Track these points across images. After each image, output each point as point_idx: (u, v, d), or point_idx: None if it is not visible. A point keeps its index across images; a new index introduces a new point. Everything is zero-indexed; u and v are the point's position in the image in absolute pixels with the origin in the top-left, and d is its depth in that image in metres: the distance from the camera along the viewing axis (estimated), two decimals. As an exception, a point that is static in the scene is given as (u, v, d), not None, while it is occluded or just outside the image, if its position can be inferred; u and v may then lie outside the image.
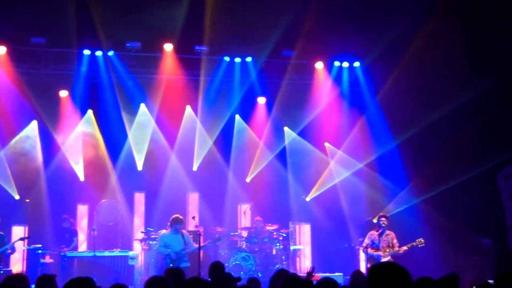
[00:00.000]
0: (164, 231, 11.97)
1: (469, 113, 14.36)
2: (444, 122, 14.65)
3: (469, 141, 14.24)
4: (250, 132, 16.67)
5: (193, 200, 16.01)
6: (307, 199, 16.55)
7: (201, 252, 11.18)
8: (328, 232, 15.96)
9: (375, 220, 12.61)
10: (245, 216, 15.81)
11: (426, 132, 14.87)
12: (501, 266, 12.74)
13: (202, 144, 16.12)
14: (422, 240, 11.38)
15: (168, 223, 11.83)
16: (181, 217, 11.69)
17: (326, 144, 16.88)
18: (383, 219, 11.87)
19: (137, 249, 14.67)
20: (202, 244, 11.24)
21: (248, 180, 16.62)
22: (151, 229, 14.35)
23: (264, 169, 16.48)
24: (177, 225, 11.48)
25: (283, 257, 14.73)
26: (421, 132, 14.91)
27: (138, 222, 15.52)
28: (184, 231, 11.49)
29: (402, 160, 15.69)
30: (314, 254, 16.09)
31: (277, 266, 14.34)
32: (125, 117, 15.40)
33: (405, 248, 11.44)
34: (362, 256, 14.06)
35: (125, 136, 15.52)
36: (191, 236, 12.09)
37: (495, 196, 13.98)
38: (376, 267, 3.75)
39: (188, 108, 16.20)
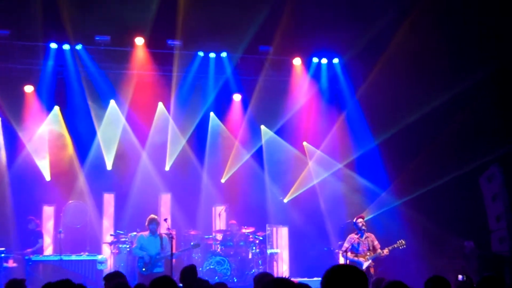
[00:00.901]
0: (145, 232, 11.86)
1: (451, 112, 14.45)
2: (425, 121, 14.68)
3: (451, 141, 14.31)
4: (225, 130, 16.69)
5: (166, 201, 16.00)
6: (285, 200, 16.67)
7: (174, 260, 11.18)
8: (306, 235, 16.03)
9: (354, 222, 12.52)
10: (220, 218, 15.79)
11: (407, 131, 14.91)
12: (484, 270, 12.83)
13: (175, 143, 16.08)
14: (403, 242, 11.47)
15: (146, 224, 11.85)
16: (155, 216, 11.74)
17: (305, 143, 16.99)
18: (360, 220, 11.92)
19: (106, 252, 14.63)
20: (178, 249, 11.65)
21: (223, 180, 16.68)
22: (121, 232, 14.35)
23: (239, 169, 16.54)
24: (150, 225, 11.49)
25: (260, 261, 14.80)
26: (402, 131, 14.96)
27: (107, 224, 15.48)
28: (164, 234, 11.47)
29: (382, 161, 15.82)
30: (292, 258, 16.17)
31: (253, 270, 14.44)
32: (94, 114, 15.33)
33: (386, 251, 11.52)
34: (341, 260, 13.22)
35: (93, 134, 15.46)
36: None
37: (477, 198, 13.99)
38: (330, 270, 3.63)
39: (160, 105, 16.16)
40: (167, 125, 16.03)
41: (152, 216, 11.84)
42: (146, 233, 11.71)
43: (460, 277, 12.53)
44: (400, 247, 11.52)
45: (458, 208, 14.44)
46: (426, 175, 14.69)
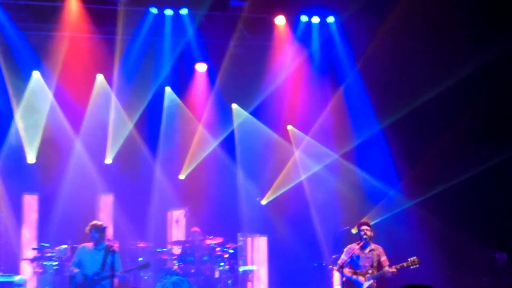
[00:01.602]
0: (89, 244, 11.56)
1: (477, 89, 14.69)
2: (444, 100, 14.85)
3: (477, 125, 14.63)
4: (186, 110, 16.66)
5: (106, 204, 16.02)
6: (263, 202, 16.69)
7: (116, 280, 11.16)
8: (291, 247, 16.14)
9: (354, 231, 12.70)
10: (177, 225, 15.81)
11: (421, 112, 15.09)
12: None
13: (119, 128, 16.07)
14: (416, 260, 11.29)
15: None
16: (97, 223, 11.66)
17: (290, 127, 16.98)
18: (365, 227, 11.74)
19: (27, 272, 14.47)
20: (123, 268, 11.45)
21: (182, 176, 16.68)
22: (46, 245, 14.15)
23: (204, 162, 16.58)
24: (90, 233, 11.45)
25: (229, 282, 14.70)
26: (415, 112, 15.11)
27: (28, 235, 15.35)
28: (115, 248, 11.48)
29: (390, 150, 15.91)
30: (272, 278, 16.20)
31: None
32: (11, 89, 15.20)
33: (393, 269, 11.40)
34: (336, 279, 13.98)
35: (10, 115, 15.38)
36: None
37: (512, 197, 14.44)
38: None
39: (100, 78, 16.09)
40: (109, 104, 15.95)
41: (94, 222, 11.70)
42: (90, 244, 11.59)
43: (498, 254, 13.13)
44: (412, 267, 11.38)
45: (487, 211, 14.71)
46: (446, 168, 14.96)
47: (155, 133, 16.53)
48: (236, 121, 16.90)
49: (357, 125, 16.39)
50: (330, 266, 14.16)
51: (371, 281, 11.51)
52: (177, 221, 15.79)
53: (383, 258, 11.66)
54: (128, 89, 15.92)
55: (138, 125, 16.26)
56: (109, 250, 11.27)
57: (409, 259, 11.34)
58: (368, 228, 11.71)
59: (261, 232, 16.48)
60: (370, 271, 11.57)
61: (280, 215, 16.55)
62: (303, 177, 16.66)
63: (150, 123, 16.46)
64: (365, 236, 11.60)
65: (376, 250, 11.70)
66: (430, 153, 15.14)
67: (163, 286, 14.00)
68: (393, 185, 15.87)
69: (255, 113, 16.74)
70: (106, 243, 11.52)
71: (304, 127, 16.83)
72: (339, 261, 11.59)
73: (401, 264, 11.39)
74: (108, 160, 16.17)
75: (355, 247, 11.64)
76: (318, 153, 16.63)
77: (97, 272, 11.26)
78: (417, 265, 11.37)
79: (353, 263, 11.62)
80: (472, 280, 14.29)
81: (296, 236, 16.21)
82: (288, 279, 15.76)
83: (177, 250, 15.19)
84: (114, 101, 16.03)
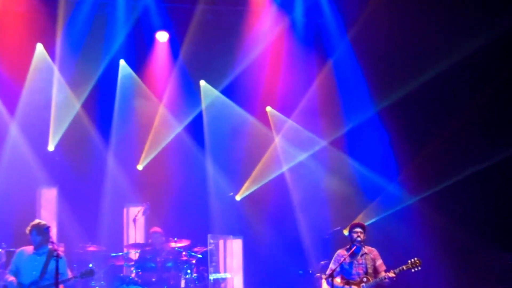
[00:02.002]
0: (28, 247, 11.41)
1: (489, 65, 14.84)
2: (452, 77, 14.95)
3: (490, 108, 14.75)
4: (144, 88, 16.61)
5: (48, 200, 15.91)
6: (238, 198, 16.74)
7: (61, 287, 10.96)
8: (271, 250, 16.17)
9: (346, 232, 12.59)
10: (135, 225, 15.63)
11: (424, 92, 15.15)
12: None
13: (64, 109, 15.93)
14: (418, 261, 11.28)
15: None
16: (39, 222, 11.40)
17: (269, 109, 16.96)
18: (358, 230, 11.71)
19: None
20: (68, 275, 11.10)
21: (140, 167, 16.64)
22: None
23: (167, 150, 16.59)
24: (30, 235, 11.25)
25: None
26: (416, 93, 15.16)
27: None
28: (60, 252, 11.11)
29: (387, 137, 15.96)
30: (250, 287, 16.17)
31: None
32: None
33: (391, 274, 11.30)
34: None
35: None
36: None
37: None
38: None
39: (40, 49, 15.94)
40: (51, 80, 15.82)
41: (35, 221, 11.41)
42: (30, 248, 11.43)
43: None
44: (413, 270, 11.34)
45: (500, 209, 14.83)
46: (453, 159, 15.04)
47: (108, 115, 16.41)
48: (205, 101, 16.82)
49: (348, 107, 16.26)
50: (318, 274, 13.97)
51: None
52: (134, 220, 15.66)
53: (379, 262, 11.70)
54: (74, 62, 15.78)
55: (87, 106, 16.14)
56: (52, 255, 11.02)
57: (409, 261, 11.31)
58: (362, 231, 11.71)
59: (235, 234, 16.38)
60: (365, 279, 11.52)
61: (258, 213, 16.57)
62: (285, 168, 16.62)
63: (101, 103, 16.32)
64: (358, 239, 11.59)
65: (370, 254, 11.73)
66: (435, 141, 15.24)
67: (118, 297, 14.04)
68: (391, 179, 15.85)
69: (227, 91, 16.67)
70: (49, 246, 11.25)
71: (286, 109, 16.76)
72: (328, 270, 11.62)
73: (400, 268, 11.32)
74: (51, 148, 15.99)
75: (344, 253, 11.67)
76: (303, 140, 16.58)
77: (35, 281, 11.12)
78: (419, 267, 11.32)
79: (345, 271, 11.64)
80: (483, 286, 14.41)
81: (277, 238, 16.18)
82: None
83: (134, 254, 15.09)
84: (57, 76, 15.88)
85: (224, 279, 15.60)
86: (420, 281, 13.58)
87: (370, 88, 15.95)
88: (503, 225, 14.52)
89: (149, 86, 16.62)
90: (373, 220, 15.28)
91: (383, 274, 11.44)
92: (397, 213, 15.42)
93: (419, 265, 11.27)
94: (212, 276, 15.17)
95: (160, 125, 16.59)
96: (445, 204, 15.05)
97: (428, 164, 15.19)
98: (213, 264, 15.49)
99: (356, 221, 12.62)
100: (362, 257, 11.60)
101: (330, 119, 16.44)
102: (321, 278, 13.09)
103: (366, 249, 11.68)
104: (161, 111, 16.57)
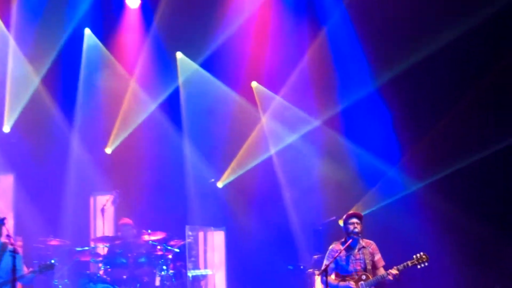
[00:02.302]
0: None
1: (505, 36, 14.91)
2: (463, 49, 14.92)
3: (502, 81, 14.76)
4: (113, 61, 16.55)
5: (4, 188, 15.90)
6: (219, 184, 16.80)
7: (19, 286, 11.03)
8: (257, 244, 16.21)
9: (341, 223, 12.33)
10: (103, 216, 15.47)
11: (431, 66, 15.19)
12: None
13: (21, 84, 15.84)
14: (424, 256, 11.29)
15: None
16: None
17: (254, 84, 16.91)
18: (355, 220, 11.65)
19: None
20: (25, 271, 11.22)
21: (109, 150, 16.65)
22: None
23: (139, 131, 16.60)
24: None
25: None
26: (423, 65, 15.16)
27: None
28: (17, 247, 11.18)
29: (389, 116, 15.91)
30: (233, 285, 16.39)
31: None
32: None
33: (394, 271, 11.29)
34: (319, 286, 13.66)
35: None
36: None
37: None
38: None
39: None
40: (6, 52, 15.75)
41: None
42: None
43: None
44: (419, 266, 11.35)
45: None
46: (463, 141, 15.05)
47: (71, 91, 16.37)
48: (182, 76, 16.78)
49: (345, 82, 16.14)
50: (310, 270, 14.09)
51: None
52: (102, 210, 15.53)
53: (377, 257, 11.67)
54: (33, 30, 15.73)
55: (47, 81, 16.08)
56: (6, 249, 11.16)
57: (414, 256, 11.29)
58: (358, 221, 11.65)
59: (217, 225, 16.45)
60: (363, 277, 11.47)
61: (242, 202, 16.63)
62: (272, 151, 16.62)
63: (64, 78, 16.27)
64: (355, 230, 11.50)
65: (368, 248, 11.68)
66: (442, 121, 15.23)
67: (84, 298, 14.17)
68: (392, 163, 15.85)
69: (208, 65, 16.68)
70: (4, 240, 11.30)
71: (274, 84, 16.71)
72: (323, 267, 11.52)
73: (405, 264, 11.30)
74: (6, 129, 15.96)
75: (339, 247, 11.59)
76: (293, 119, 16.56)
77: (-7, 277, 11.28)
78: (426, 263, 11.32)
79: (340, 267, 11.58)
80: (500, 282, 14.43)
81: (264, 230, 16.17)
82: (253, 287, 15.86)
83: (103, 249, 15.11)
84: (12, 47, 15.79)
85: (204, 276, 15.64)
86: (425, 277, 13.58)
87: (369, 60, 15.91)
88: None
89: (119, 59, 16.58)
90: (372, 209, 15.29)
91: (382, 270, 11.44)
92: (399, 201, 15.43)
93: (426, 261, 11.26)
94: (191, 273, 15.17)
95: (131, 103, 16.55)
96: (453, 191, 15.04)
97: (434, 146, 15.24)
98: (192, 259, 15.49)
99: (353, 210, 12.55)
100: (360, 251, 11.54)
101: (324, 96, 16.37)
102: (314, 274, 13.49)
103: (363, 242, 11.63)
104: (132, 87, 16.55)
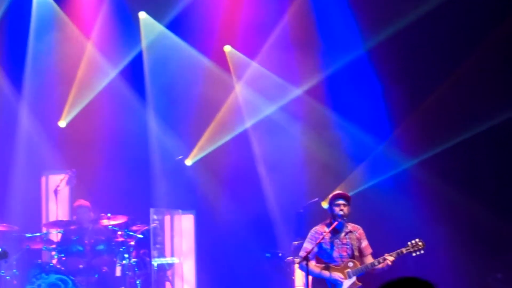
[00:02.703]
0: None
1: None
2: (461, 9, 15.03)
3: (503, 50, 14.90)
4: (67, 21, 16.43)
5: None
6: (188, 162, 16.82)
7: None
8: (230, 229, 16.29)
9: (325, 205, 12.89)
10: (56, 198, 15.68)
11: (427, 27, 15.29)
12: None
13: None
14: (420, 243, 11.53)
15: None
16: None
17: (227, 48, 16.90)
18: (341, 202, 11.74)
19: None
20: None
21: (63, 124, 16.61)
22: None
23: (97, 102, 16.56)
24: None
25: (138, 282, 14.68)
26: (418, 26, 15.20)
27: None
28: None
29: (379, 84, 15.97)
30: (202, 276, 16.37)
31: None
32: None
33: (388, 258, 11.45)
34: (299, 277, 13.96)
35: None
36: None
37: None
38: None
39: None
40: None
41: None
42: None
43: None
44: (414, 253, 11.59)
45: None
46: (461, 113, 15.22)
47: (19, 57, 16.35)
48: (146, 39, 16.74)
49: (329, 45, 16.15)
50: (290, 258, 14.14)
51: (354, 278, 11.50)
52: (56, 192, 15.64)
53: (364, 244, 11.79)
54: None
55: None
56: None
57: (409, 243, 11.43)
58: (345, 203, 11.68)
59: (185, 208, 16.46)
60: (350, 264, 11.53)
61: (214, 182, 16.70)
62: (248, 124, 16.69)
63: (10, 41, 16.31)
64: (340, 213, 11.52)
65: (355, 232, 11.78)
66: (438, 90, 15.30)
67: (35, 290, 14.06)
68: (382, 137, 15.98)
69: (175, 26, 16.63)
70: None
71: (250, 48, 16.69)
72: (301, 252, 11.58)
73: (398, 251, 11.41)
74: None
75: (323, 230, 11.59)
76: (271, 88, 16.53)
77: None
78: (422, 251, 11.49)
79: (323, 253, 11.63)
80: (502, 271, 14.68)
81: (238, 213, 16.23)
82: (226, 276, 15.99)
83: (56, 235, 15.12)
84: None
85: (171, 265, 15.69)
86: (418, 262, 13.44)
87: (357, 20, 15.91)
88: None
89: (73, 19, 16.48)
90: (359, 189, 15.38)
91: (370, 258, 11.54)
92: (389, 180, 15.55)
93: (422, 248, 11.44)
94: (156, 261, 15.16)
95: (88, 70, 16.49)
96: (449, 169, 15.22)
97: (429, 119, 15.39)
98: (157, 246, 15.51)
99: (338, 190, 12.48)
100: (346, 236, 11.60)
101: (306, 61, 16.35)
102: (294, 263, 13.53)
103: (350, 226, 11.70)
104: (89, 52, 16.49)
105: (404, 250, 11.36)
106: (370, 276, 11.68)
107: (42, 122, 16.32)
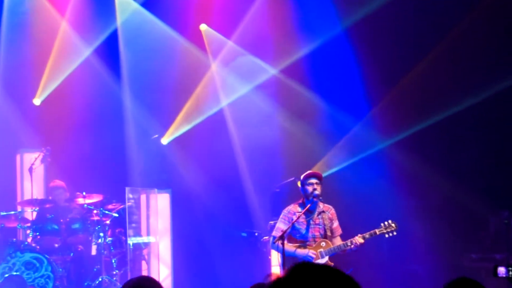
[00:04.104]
0: None
1: None
2: None
3: (483, 33, 14.98)
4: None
5: None
6: (164, 141, 16.94)
7: None
8: (206, 207, 16.42)
9: (299, 184, 12.64)
10: (31, 176, 15.66)
11: (407, 2, 15.43)
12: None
13: None
14: (393, 224, 11.64)
15: None
16: None
17: (203, 26, 16.97)
18: (314, 181, 11.81)
19: None
20: None
21: (37, 101, 16.59)
22: None
23: (72, 79, 16.48)
24: None
25: (113, 260, 14.81)
26: (396, 2, 15.25)
27: None
28: None
29: (356, 63, 16.01)
30: (178, 255, 16.40)
31: (100, 279, 14.45)
32: None
33: (360, 240, 11.51)
34: (275, 256, 13.76)
35: None
36: None
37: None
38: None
39: None
40: None
41: None
42: None
43: (502, 270, 12.20)
44: (387, 235, 11.70)
45: (509, 155, 15.04)
46: (439, 92, 15.31)
47: None
48: (121, 17, 16.67)
49: (306, 22, 16.20)
50: (266, 238, 14.23)
51: (326, 257, 11.57)
52: (30, 170, 15.66)
53: (336, 224, 11.88)
54: None
55: None
56: None
57: (382, 224, 11.54)
58: (318, 181, 11.76)
59: (161, 186, 16.51)
60: (323, 244, 11.61)
61: (190, 161, 16.74)
62: (224, 103, 16.75)
63: None
64: (316, 193, 11.60)
65: (328, 212, 11.85)
66: (415, 70, 15.36)
67: (10, 269, 13.91)
68: (359, 116, 16.06)
69: (150, 3, 16.63)
70: None
71: (226, 27, 16.72)
72: (274, 231, 11.76)
73: (371, 232, 11.52)
74: None
75: (296, 209, 11.72)
76: (247, 67, 16.62)
77: None
78: (395, 232, 11.59)
79: (296, 233, 11.74)
80: (481, 256, 14.62)
81: (214, 192, 16.32)
82: (202, 256, 16.01)
83: (31, 214, 15.16)
84: None
85: (147, 244, 15.73)
86: (394, 245, 13.82)
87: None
88: (495, 177, 14.88)
89: (48, -2, 15.90)
90: (335, 169, 15.42)
91: (339, 240, 11.65)
92: (365, 160, 15.61)
93: (395, 230, 11.53)
94: (131, 240, 15.18)
95: (63, 47, 16.40)
96: (426, 150, 15.40)
97: (406, 99, 15.34)
98: (133, 225, 15.52)
99: (311, 171, 12.39)
100: (319, 216, 11.67)
101: (283, 40, 16.37)
102: (268, 243, 13.52)
103: (322, 206, 11.77)
104: (64, 29, 16.36)
105: (377, 231, 11.46)
106: (342, 257, 11.79)
107: (17, 99, 16.26)
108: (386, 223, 11.49)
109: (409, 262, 15.14)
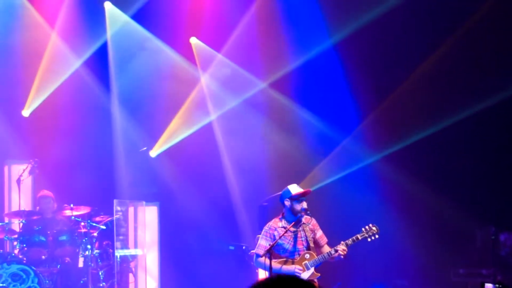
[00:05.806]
0: None
1: None
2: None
3: (472, 45, 14.97)
4: (30, 9, 16.30)
5: None
6: (152, 153, 16.92)
7: None
8: (194, 221, 16.41)
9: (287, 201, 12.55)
10: (19, 188, 15.56)
11: (395, 17, 15.27)
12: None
13: None
14: (374, 228, 11.57)
15: None
16: None
17: (193, 40, 16.96)
18: (303, 199, 11.69)
19: None
20: None
21: (26, 113, 16.61)
22: None
23: (61, 91, 16.43)
24: None
25: (101, 273, 14.81)
26: (385, 18, 15.21)
27: None
28: None
29: (345, 78, 16.04)
30: (166, 267, 16.42)
31: None
32: None
33: (342, 247, 11.44)
34: (261, 270, 13.57)
35: None
36: None
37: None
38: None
39: None
40: None
41: None
42: None
43: (489, 286, 12.87)
44: (369, 239, 11.62)
45: (494, 171, 15.11)
46: (428, 108, 15.37)
47: None
48: (111, 29, 16.66)
49: (296, 37, 16.26)
50: (253, 251, 13.51)
51: (312, 269, 11.49)
52: (18, 181, 15.57)
53: (319, 234, 11.78)
54: None
55: None
56: None
57: (363, 229, 11.56)
58: (302, 192, 11.70)
59: (149, 199, 16.51)
60: (307, 256, 11.54)
61: (178, 174, 16.77)
62: (213, 116, 16.77)
63: None
64: (304, 207, 11.55)
65: (308, 224, 11.75)
66: (404, 84, 15.41)
67: (-4, 281, 13.97)
68: (347, 131, 16.06)
69: (140, 16, 16.58)
70: None
71: (215, 40, 16.74)
72: (257, 249, 11.67)
73: (353, 238, 11.52)
74: None
75: (277, 225, 11.65)
76: (237, 80, 16.66)
77: None
78: (376, 235, 11.59)
79: (279, 248, 11.60)
80: (466, 271, 14.80)
81: (202, 205, 16.35)
82: (189, 269, 16.02)
83: (18, 225, 15.11)
84: None
85: (134, 257, 15.70)
86: (383, 259, 14.10)
87: (324, 12, 15.89)
88: (482, 192, 14.94)
89: (38, 8, 16.31)
90: (324, 183, 15.40)
91: (327, 248, 11.55)
92: (353, 174, 15.56)
93: (376, 233, 11.50)
94: (118, 253, 15.18)
95: (53, 59, 16.35)
96: (413, 164, 15.36)
97: (395, 114, 15.43)
98: (121, 237, 15.52)
99: (301, 184, 12.38)
100: (300, 229, 11.61)
101: (272, 54, 16.42)
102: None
103: (305, 218, 11.69)
104: (53, 41, 16.35)
105: (359, 236, 11.44)
106: (328, 265, 11.69)
107: (5, 111, 16.17)
108: (367, 227, 11.49)
109: (396, 277, 15.20)
